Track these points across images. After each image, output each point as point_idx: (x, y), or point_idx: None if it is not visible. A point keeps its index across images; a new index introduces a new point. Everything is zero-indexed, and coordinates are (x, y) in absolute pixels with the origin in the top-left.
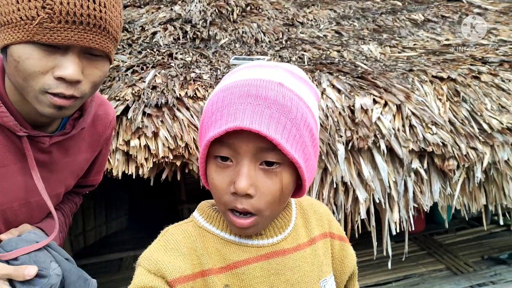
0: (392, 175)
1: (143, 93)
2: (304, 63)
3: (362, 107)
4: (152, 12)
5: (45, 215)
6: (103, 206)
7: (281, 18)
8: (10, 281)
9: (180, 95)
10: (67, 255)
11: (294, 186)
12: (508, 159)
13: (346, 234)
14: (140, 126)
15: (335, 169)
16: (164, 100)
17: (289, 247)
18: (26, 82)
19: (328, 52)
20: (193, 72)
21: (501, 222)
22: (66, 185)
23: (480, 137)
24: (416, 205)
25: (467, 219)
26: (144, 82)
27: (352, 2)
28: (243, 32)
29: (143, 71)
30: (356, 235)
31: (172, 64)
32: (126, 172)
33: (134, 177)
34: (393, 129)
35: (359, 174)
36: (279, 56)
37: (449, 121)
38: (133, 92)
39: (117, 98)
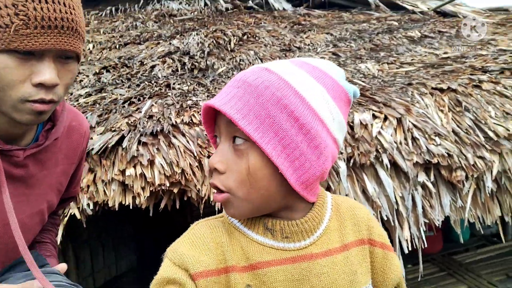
0: (398, 190)
1: (139, 123)
2: None
3: (361, 122)
4: (152, 47)
5: (33, 235)
6: (111, 246)
7: (277, 44)
8: None
9: (176, 122)
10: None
11: (272, 171)
12: None
13: None
14: (136, 155)
15: (338, 187)
16: (160, 127)
17: (318, 251)
18: (3, 92)
19: None
20: (190, 100)
21: None
22: (48, 201)
23: (487, 145)
24: (427, 221)
25: (483, 234)
26: (141, 112)
27: (348, 25)
28: (240, 59)
29: (140, 102)
30: None
31: (169, 94)
32: (123, 202)
33: (131, 207)
34: (395, 142)
35: (364, 191)
36: None
37: (453, 131)
38: (129, 122)
39: (112, 129)
